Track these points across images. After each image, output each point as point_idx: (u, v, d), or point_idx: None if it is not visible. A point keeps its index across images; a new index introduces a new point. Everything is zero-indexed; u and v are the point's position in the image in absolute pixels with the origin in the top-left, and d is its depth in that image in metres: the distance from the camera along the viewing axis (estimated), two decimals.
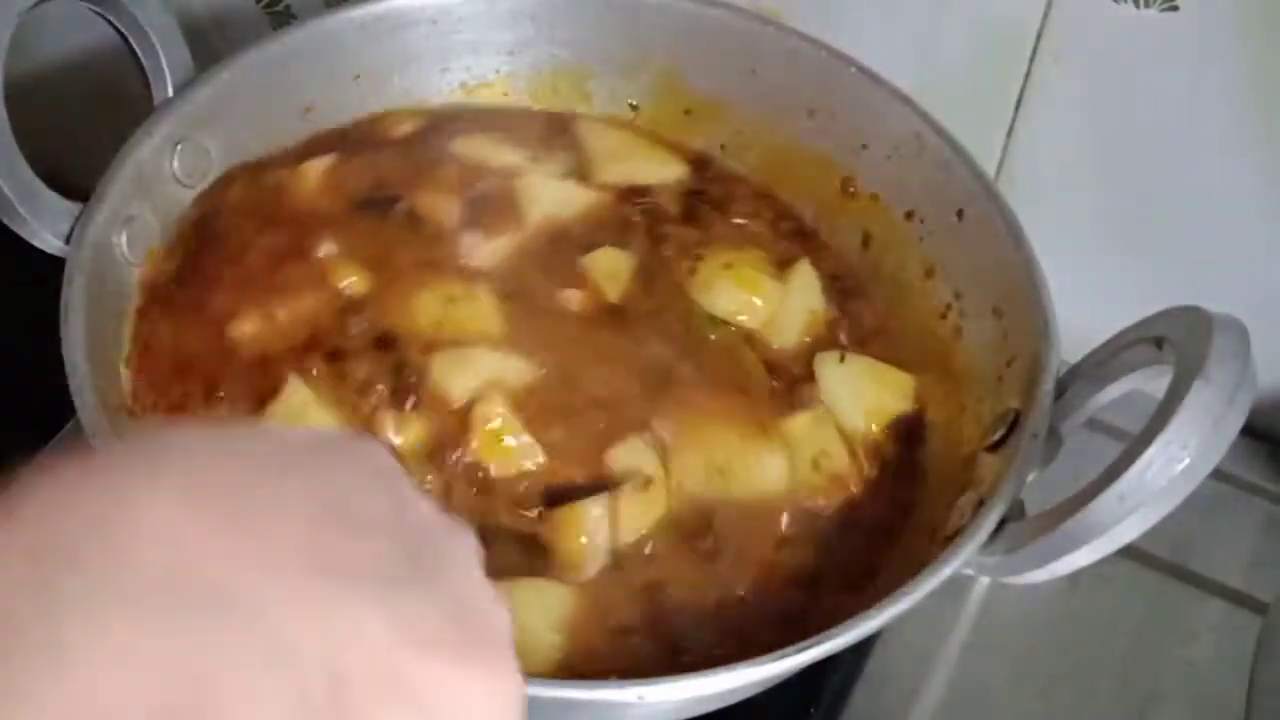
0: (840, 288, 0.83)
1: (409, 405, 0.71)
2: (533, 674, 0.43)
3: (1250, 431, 0.63)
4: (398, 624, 0.36)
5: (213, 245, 0.77)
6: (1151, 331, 0.65)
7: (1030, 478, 0.66)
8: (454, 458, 0.70)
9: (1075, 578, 0.63)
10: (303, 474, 0.38)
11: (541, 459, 0.71)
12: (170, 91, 0.78)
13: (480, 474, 0.70)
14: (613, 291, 0.79)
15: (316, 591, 0.35)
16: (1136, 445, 0.59)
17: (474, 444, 0.70)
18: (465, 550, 0.42)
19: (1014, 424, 0.69)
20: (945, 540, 0.65)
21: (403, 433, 0.70)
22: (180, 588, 0.33)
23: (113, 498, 0.34)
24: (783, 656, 0.58)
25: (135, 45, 0.77)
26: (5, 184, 0.69)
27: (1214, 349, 0.60)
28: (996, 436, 0.70)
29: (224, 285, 0.75)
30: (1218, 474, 0.60)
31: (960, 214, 0.80)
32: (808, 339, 0.80)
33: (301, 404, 0.70)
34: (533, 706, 0.60)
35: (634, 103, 0.91)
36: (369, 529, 0.38)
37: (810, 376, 0.78)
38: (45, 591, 0.31)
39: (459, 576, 0.40)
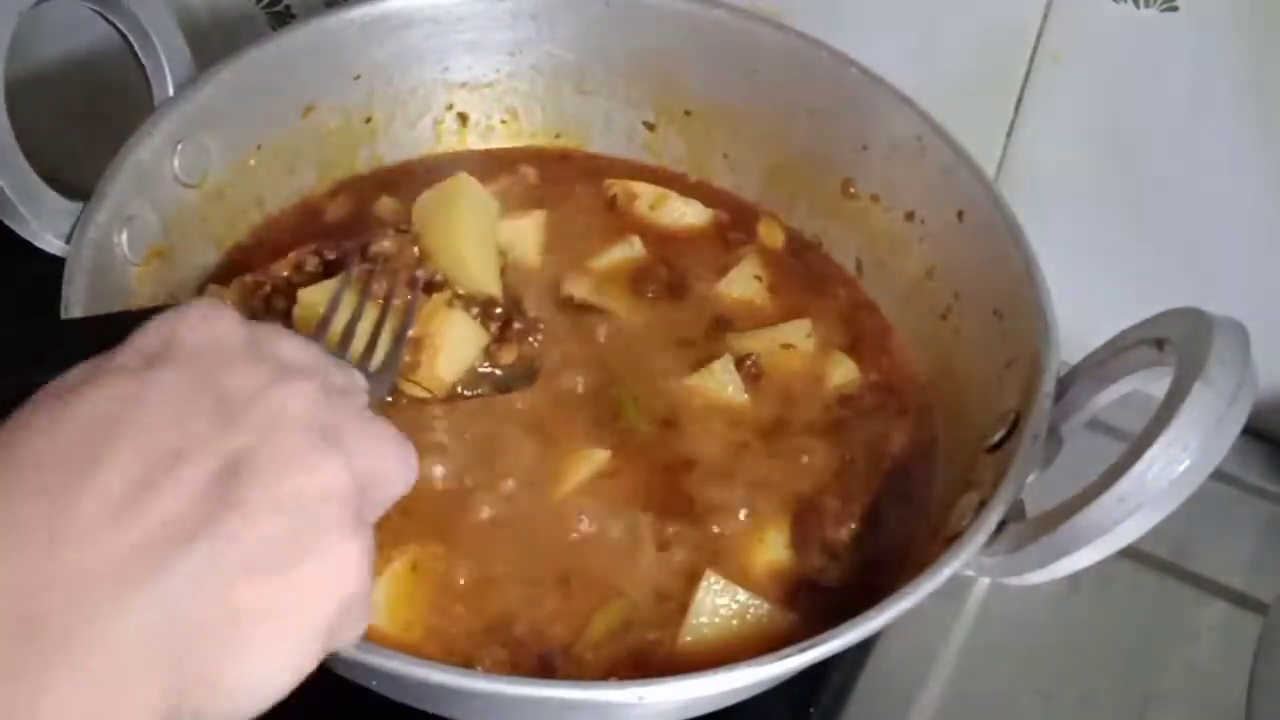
0: None
1: None
2: None
3: (1251, 432, 0.63)
4: None
5: None
6: (1152, 333, 0.65)
7: (1030, 478, 0.66)
8: None
9: (1076, 578, 0.63)
10: None
11: None
12: (171, 91, 0.78)
13: None
14: None
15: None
16: (1137, 446, 0.59)
17: None
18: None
19: (1014, 425, 0.69)
20: (946, 541, 0.65)
21: None
22: None
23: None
24: (783, 657, 0.59)
25: (135, 45, 0.77)
26: (6, 183, 0.69)
27: (1214, 350, 0.60)
28: (996, 437, 0.70)
29: None
30: (1218, 475, 0.60)
31: (960, 215, 0.80)
32: None
33: None
34: (534, 706, 0.61)
35: (649, 121, 0.92)
36: None
37: None
38: None
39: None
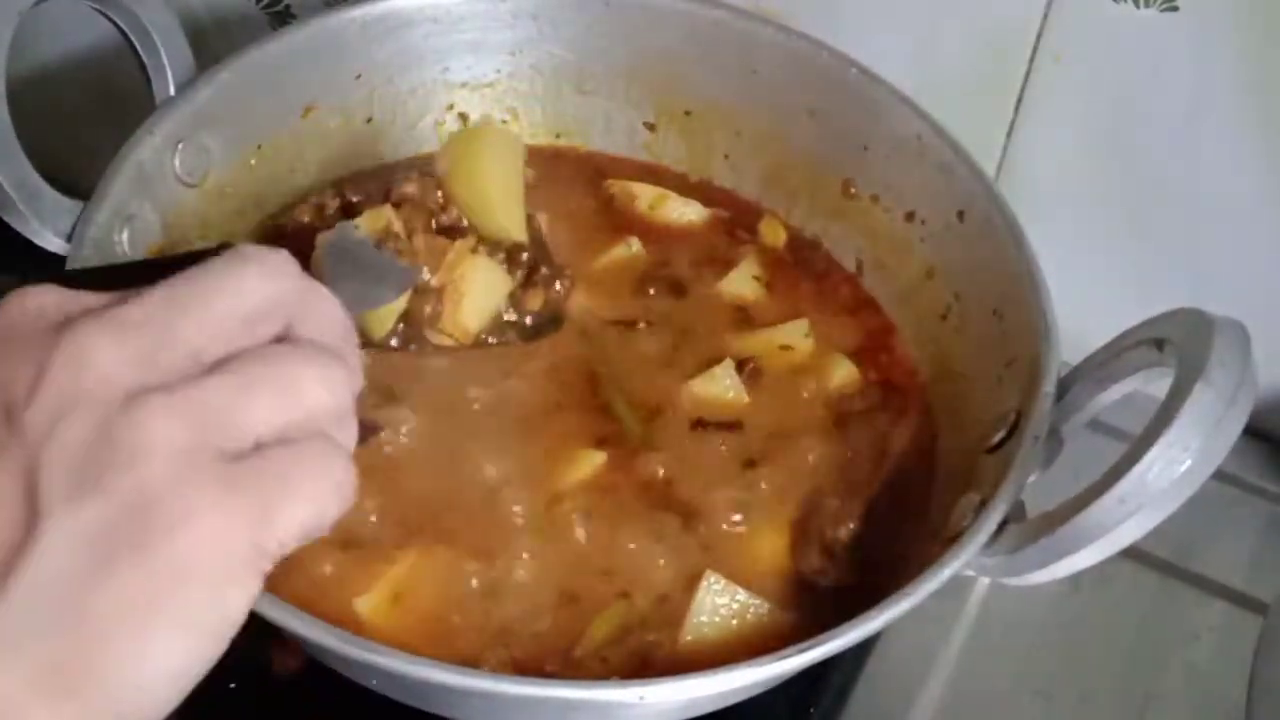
0: None
1: None
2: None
3: (1251, 432, 0.63)
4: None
5: None
6: (1152, 333, 0.65)
7: (1031, 479, 0.66)
8: None
9: (1076, 578, 0.63)
10: None
11: None
12: (172, 90, 0.78)
13: None
14: None
15: None
16: (1138, 447, 0.59)
17: None
18: None
19: (1014, 425, 0.69)
20: (946, 541, 0.65)
21: None
22: None
23: None
24: (783, 657, 0.59)
25: (137, 44, 0.77)
26: (7, 182, 0.69)
27: (1215, 351, 0.60)
28: (997, 438, 0.70)
29: None
30: (1219, 474, 0.60)
31: (961, 215, 0.80)
32: None
33: None
34: (534, 705, 0.61)
35: (649, 121, 0.92)
36: None
37: None
38: None
39: None
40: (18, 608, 0.39)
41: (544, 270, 0.76)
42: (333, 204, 0.75)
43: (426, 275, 0.70)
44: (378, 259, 0.66)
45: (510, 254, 0.75)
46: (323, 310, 0.47)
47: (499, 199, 0.75)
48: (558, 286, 0.76)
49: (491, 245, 0.74)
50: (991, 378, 0.75)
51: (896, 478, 0.77)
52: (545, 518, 0.72)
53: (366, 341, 0.68)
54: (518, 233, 0.76)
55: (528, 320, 0.75)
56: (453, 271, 0.72)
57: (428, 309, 0.71)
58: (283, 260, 0.46)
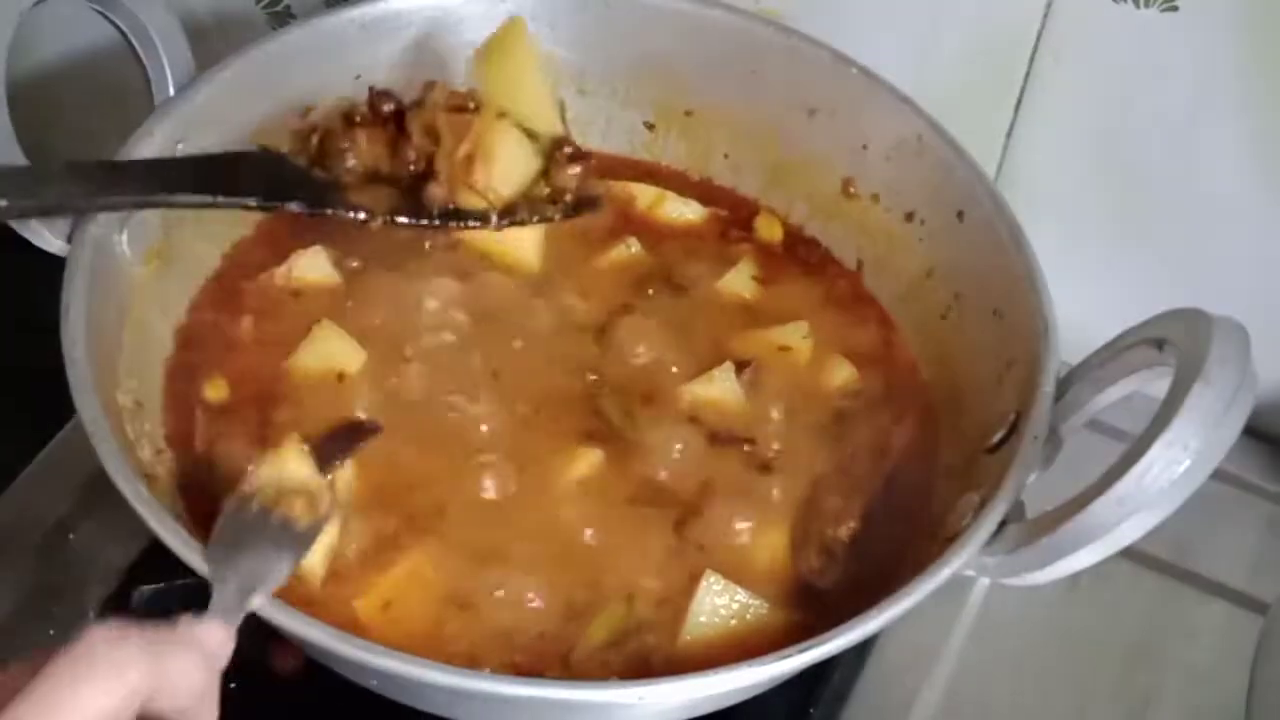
0: None
1: None
2: None
3: (1250, 431, 0.63)
4: None
5: None
6: (1152, 333, 0.65)
7: (1030, 479, 0.66)
8: None
9: (1075, 578, 0.63)
10: None
11: None
12: (171, 90, 0.78)
13: None
14: None
15: None
16: (1137, 447, 0.60)
17: None
18: None
19: (1014, 425, 0.69)
20: (946, 541, 0.65)
21: None
22: None
23: None
24: (783, 657, 0.59)
25: (137, 44, 0.77)
26: None
27: (1214, 351, 0.60)
28: (996, 438, 0.70)
29: None
30: (1218, 474, 0.60)
31: (961, 215, 0.80)
32: None
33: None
34: (534, 706, 0.61)
35: (649, 121, 0.92)
36: None
37: None
38: None
39: None
40: None
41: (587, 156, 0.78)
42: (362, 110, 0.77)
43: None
44: (274, 530, 0.63)
45: (553, 145, 0.77)
46: (177, 678, 0.47)
47: (538, 92, 0.77)
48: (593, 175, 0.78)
49: (527, 132, 0.76)
50: (991, 377, 0.75)
51: (896, 477, 0.77)
52: (543, 519, 0.72)
53: (411, 215, 0.74)
54: (556, 124, 0.78)
55: (567, 198, 0.77)
56: (481, 138, 0.74)
57: (462, 175, 0.74)
58: (128, 652, 0.45)
